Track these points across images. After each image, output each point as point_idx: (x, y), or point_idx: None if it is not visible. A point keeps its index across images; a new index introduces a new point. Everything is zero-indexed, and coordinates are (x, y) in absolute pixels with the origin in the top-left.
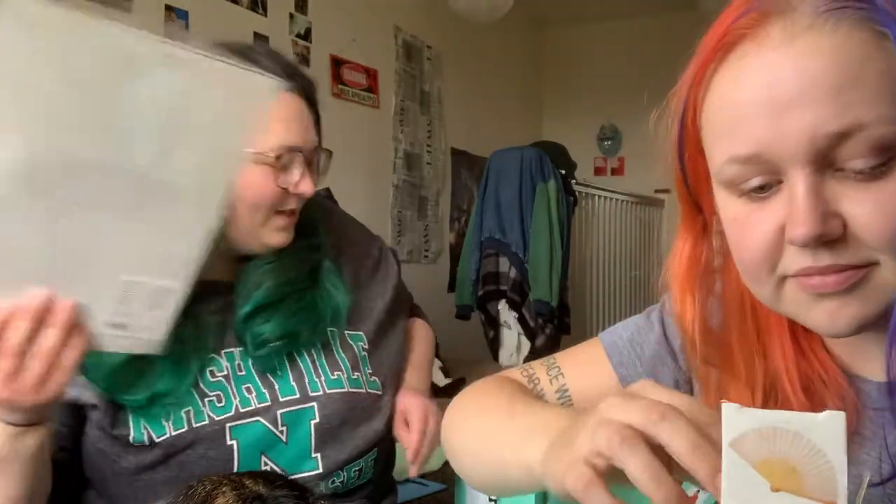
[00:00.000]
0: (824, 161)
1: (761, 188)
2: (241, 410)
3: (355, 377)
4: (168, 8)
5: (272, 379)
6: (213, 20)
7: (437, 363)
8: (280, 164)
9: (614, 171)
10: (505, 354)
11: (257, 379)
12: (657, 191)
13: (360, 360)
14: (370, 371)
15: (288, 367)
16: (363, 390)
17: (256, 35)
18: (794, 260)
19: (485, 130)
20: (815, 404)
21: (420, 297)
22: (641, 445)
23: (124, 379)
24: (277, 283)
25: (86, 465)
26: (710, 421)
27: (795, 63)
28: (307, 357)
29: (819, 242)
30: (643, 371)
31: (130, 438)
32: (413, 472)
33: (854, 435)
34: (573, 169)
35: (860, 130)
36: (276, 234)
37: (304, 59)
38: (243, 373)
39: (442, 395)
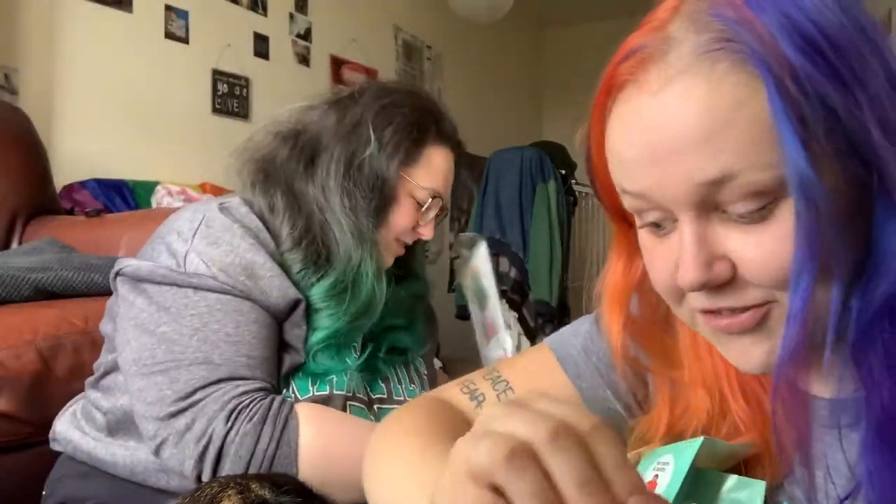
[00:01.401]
0: (707, 205)
1: (658, 225)
2: (357, 395)
3: (422, 393)
4: (168, 8)
5: (365, 379)
6: (213, 20)
7: (437, 363)
8: (422, 200)
9: None
10: (505, 354)
11: (358, 375)
12: None
13: (423, 381)
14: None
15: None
16: None
17: (256, 35)
18: (695, 298)
19: (485, 130)
20: (755, 411)
21: None
22: (532, 466)
23: (328, 351)
24: (415, 308)
25: None
26: (605, 442)
27: (668, 111)
28: (392, 367)
29: (710, 286)
30: (603, 382)
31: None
32: None
33: (802, 455)
34: (573, 169)
35: (733, 178)
36: (390, 257)
37: (304, 59)
38: (363, 366)
39: None
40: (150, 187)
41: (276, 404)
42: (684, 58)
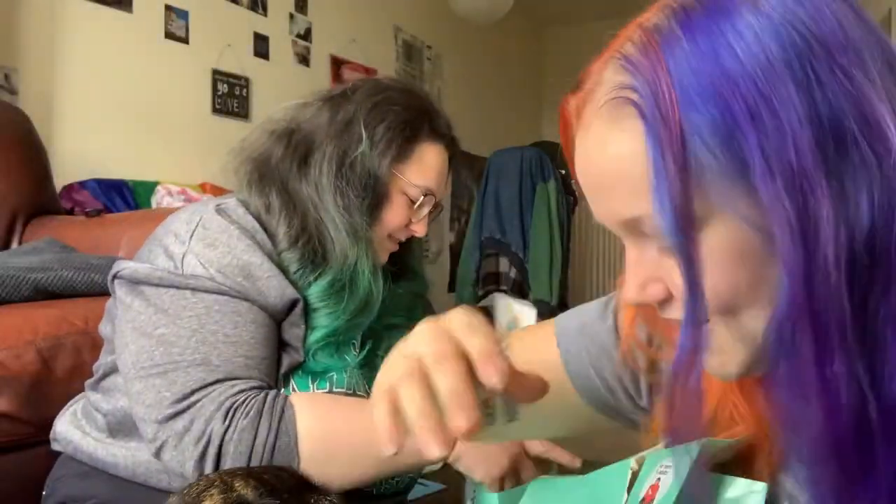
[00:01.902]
0: (640, 235)
1: None
2: (349, 392)
3: None
4: (168, 8)
5: (366, 381)
6: (213, 20)
7: None
8: (414, 197)
9: None
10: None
11: (358, 372)
12: None
13: None
14: None
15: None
16: None
17: (256, 35)
18: (657, 308)
19: (485, 130)
20: (750, 403)
21: None
22: (416, 380)
23: (327, 349)
24: (415, 305)
25: None
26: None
27: (589, 152)
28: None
29: (646, 303)
30: (588, 362)
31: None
32: None
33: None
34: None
35: (646, 218)
36: (384, 254)
37: (304, 59)
38: (363, 363)
39: None
40: (150, 187)
41: (269, 398)
42: (601, 101)
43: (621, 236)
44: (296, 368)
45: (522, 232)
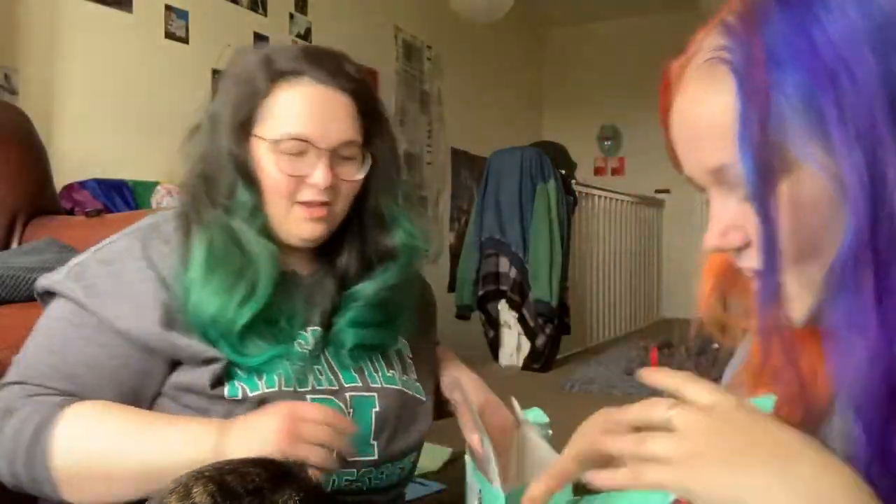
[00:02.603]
0: (725, 184)
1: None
2: (317, 388)
3: (404, 379)
4: (168, 8)
5: (337, 368)
6: (213, 20)
7: None
8: (282, 150)
9: (614, 171)
10: (505, 354)
11: (325, 364)
12: (657, 191)
13: (407, 365)
14: (415, 377)
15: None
16: (410, 392)
17: (256, 35)
18: (734, 258)
19: (485, 130)
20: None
21: None
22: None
23: (251, 341)
24: (391, 300)
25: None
26: None
27: (685, 109)
28: (365, 359)
29: (723, 251)
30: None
31: (225, 393)
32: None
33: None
34: (573, 169)
35: (730, 167)
36: (302, 225)
37: None
38: (317, 353)
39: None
40: (150, 187)
41: (30, 410)
42: (698, 62)
43: (707, 187)
44: (233, 370)
45: (522, 232)
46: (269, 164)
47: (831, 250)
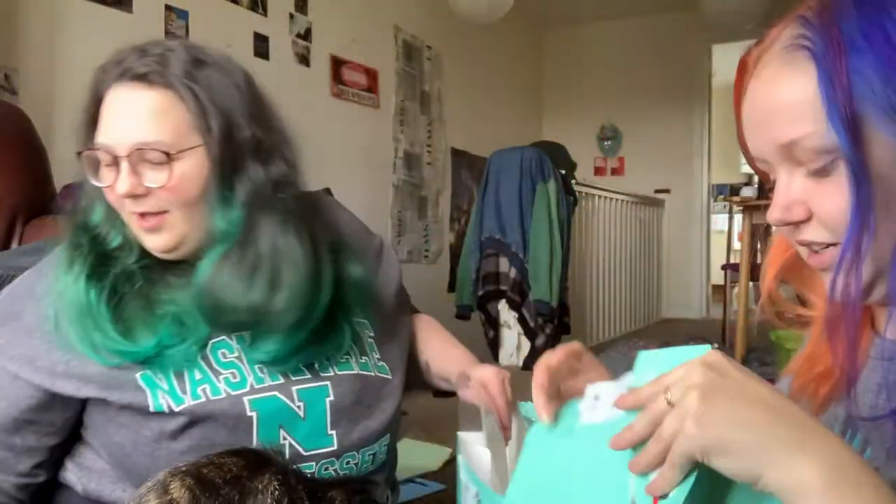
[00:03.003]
0: (792, 160)
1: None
2: (256, 386)
3: (363, 361)
4: (168, 8)
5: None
6: (213, 20)
7: None
8: (87, 164)
9: (614, 171)
10: (505, 354)
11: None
12: (657, 191)
13: (368, 346)
14: (378, 356)
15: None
16: (372, 373)
17: (256, 35)
18: (788, 232)
19: (485, 130)
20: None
21: (420, 297)
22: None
23: (128, 330)
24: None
25: (97, 451)
26: None
27: (761, 89)
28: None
29: (788, 224)
30: None
31: (150, 408)
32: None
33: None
34: (573, 169)
35: (802, 141)
36: (143, 236)
37: (304, 59)
38: (251, 356)
39: (441, 395)
40: None
41: None
42: (777, 50)
43: (774, 166)
44: (150, 383)
45: (522, 232)
46: (92, 175)
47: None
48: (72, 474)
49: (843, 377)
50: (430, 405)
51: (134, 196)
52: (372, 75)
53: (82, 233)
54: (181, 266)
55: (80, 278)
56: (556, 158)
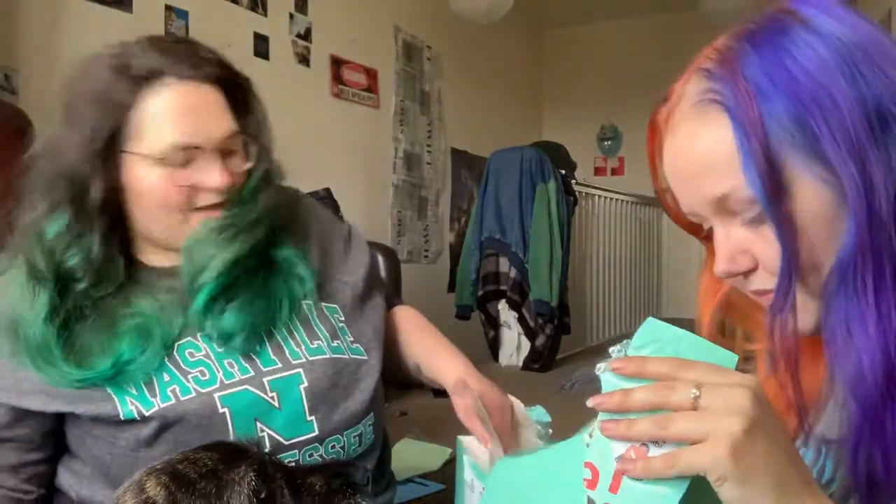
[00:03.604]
0: (726, 212)
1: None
2: (226, 382)
3: (335, 345)
4: (168, 8)
5: (252, 355)
6: (213, 20)
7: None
8: (170, 163)
9: (614, 171)
10: (505, 354)
11: (238, 355)
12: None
13: (339, 329)
14: (351, 339)
15: (267, 343)
16: (346, 356)
17: (256, 35)
18: (738, 283)
19: (485, 130)
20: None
21: (420, 297)
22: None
23: (83, 358)
24: (223, 269)
25: (84, 461)
26: None
27: (680, 148)
28: (284, 331)
29: (736, 275)
30: None
31: (120, 416)
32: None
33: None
34: (573, 169)
35: (732, 193)
36: (189, 227)
37: (305, 59)
38: (222, 350)
39: (441, 395)
40: None
41: None
42: (687, 107)
43: (709, 218)
44: (116, 392)
45: (522, 232)
46: (154, 180)
47: (832, 258)
48: (65, 481)
49: (799, 410)
50: (430, 405)
51: (220, 190)
52: (372, 75)
53: (39, 252)
54: (153, 272)
55: (38, 318)
56: (556, 158)
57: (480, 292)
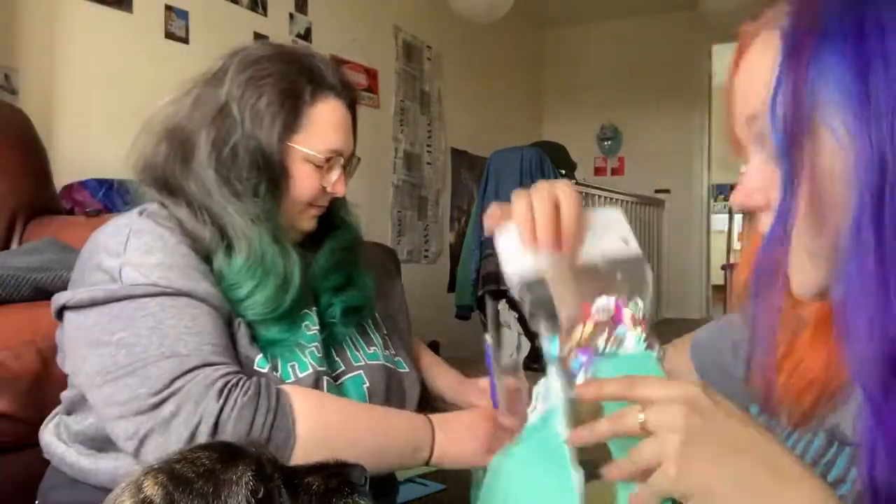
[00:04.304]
0: (758, 140)
1: None
2: (322, 371)
3: (387, 354)
4: (168, 8)
5: (322, 353)
6: (213, 20)
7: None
8: (323, 165)
9: (614, 171)
10: (505, 354)
11: (320, 348)
12: (657, 191)
13: (385, 341)
14: (393, 352)
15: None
16: (392, 366)
17: (256, 35)
18: (752, 221)
19: (485, 130)
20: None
21: (420, 297)
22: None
23: (272, 324)
24: (348, 259)
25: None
26: None
27: (738, 66)
28: (346, 337)
29: (747, 210)
30: (715, 363)
31: (255, 365)
32: None
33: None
34: (573, 169)
35: (758, 117)
36: (308, 221)
37: None
38: (323, 335)
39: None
40: None
41: (263, 381)
42: (761, 27)
43: (743, 142)
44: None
45: None
46: (306, 174)
47: (839, 225)
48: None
49: (830, 381)
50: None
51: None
52: (372, 75)
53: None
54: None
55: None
56: (556, 158)
57: (480, 292)
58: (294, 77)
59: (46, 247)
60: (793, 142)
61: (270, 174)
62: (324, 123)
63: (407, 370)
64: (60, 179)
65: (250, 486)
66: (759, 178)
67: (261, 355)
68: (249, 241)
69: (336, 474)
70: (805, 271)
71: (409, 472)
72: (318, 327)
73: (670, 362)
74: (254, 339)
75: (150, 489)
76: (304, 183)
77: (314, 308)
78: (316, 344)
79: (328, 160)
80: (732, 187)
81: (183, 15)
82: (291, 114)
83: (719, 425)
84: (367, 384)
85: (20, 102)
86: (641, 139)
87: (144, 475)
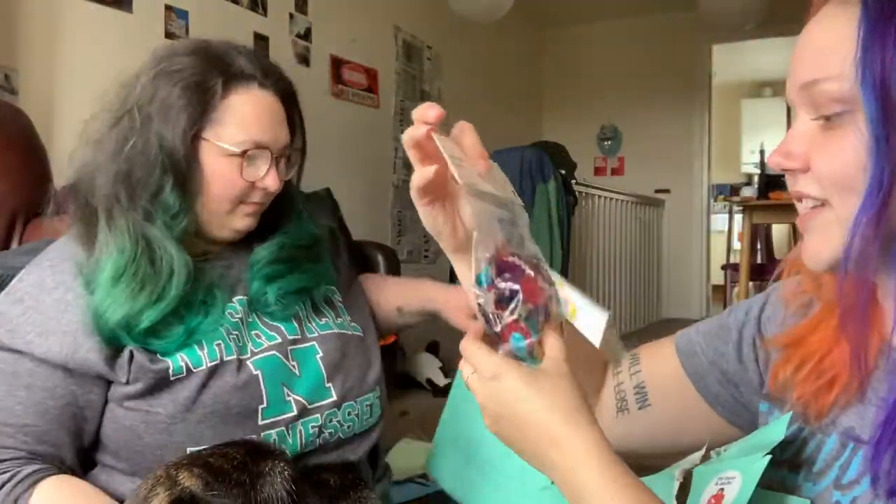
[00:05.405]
0: (809, 104)
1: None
2: (255, 350)
3: (339, 321)
4: (168, 8)
5: (275, 323)
6: (213, 20)
7: (437, 363)
8: (246, 158)
9: (614, 171)
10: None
11: (261, 325)
12: (657, 191)
13: (339, 309)
14: (349, 318)
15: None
16: (349, 332)
17: (256, 35)
18: (789, 181)
19: (485, 130)
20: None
21: None
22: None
23: (165, 327)
24: (300, 255)
25: (112, 435)
26: None
27: (806, 29)
28: (301, 306)
29: (784, 169)
30: (707, 359)
31: (170, 371)
32: None
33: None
34: (573, 169)
35: (819, 82)
36: (241, 220)
37: (304, 59)
38: (251, 319)
39: (441, 394)
40: None
41: (24, 472)
42: None
43: (796, 106)
44: (172, 345)
45: None
46: (224, 170)
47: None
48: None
49: (851, 379)
50: (430, 405)
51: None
52: (372, 75)
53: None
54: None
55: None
56: (556, 158)
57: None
58: (207, 70)
59: (46, 247)
60: (887, 110)
61: (177, 171)
62: (240, 115)
63: (362, 335)
64: (60, 179)
65: (286, 477)
66: (802, 141)
67: (171, 366)
68: (122, 245)
69: (348, 471)
70: (827, 235)
71: (409, 472)
72: (241, 316)
73: (648, 369)
74: (166, 349)
75: (188, 480)
76: (222, 178)
77: (245, 297)
78: (237, 332)
79: (245, 153)
80: (732, 187)
81: (183, 15)
82: (199, 107)
83: (510, 406)
84: (321, 354)
85: (20, 102)
86: (641, 139)
87: (176, 468)
